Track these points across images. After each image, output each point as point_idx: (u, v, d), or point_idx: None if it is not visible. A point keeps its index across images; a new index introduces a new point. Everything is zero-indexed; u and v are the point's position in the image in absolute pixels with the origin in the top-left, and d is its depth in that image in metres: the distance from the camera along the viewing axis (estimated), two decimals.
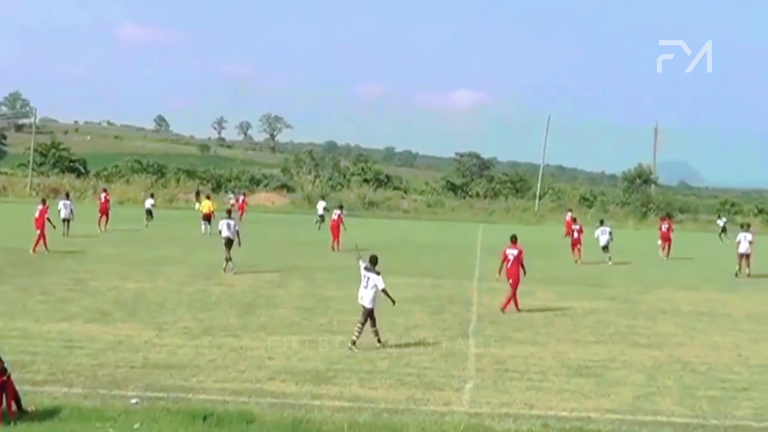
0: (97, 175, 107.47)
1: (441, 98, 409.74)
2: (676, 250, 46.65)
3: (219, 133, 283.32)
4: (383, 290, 19.64)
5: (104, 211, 49.63)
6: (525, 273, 26.35)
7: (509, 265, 26.00)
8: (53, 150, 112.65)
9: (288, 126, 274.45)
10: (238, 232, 32.89)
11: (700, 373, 18.49)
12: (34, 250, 35.89)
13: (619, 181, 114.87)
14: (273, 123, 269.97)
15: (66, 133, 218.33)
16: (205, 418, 13.55)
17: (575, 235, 43.59)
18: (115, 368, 16.86)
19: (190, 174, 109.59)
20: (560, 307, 26.97)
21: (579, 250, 42.97)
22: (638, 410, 15.28)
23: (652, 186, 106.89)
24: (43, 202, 39.82)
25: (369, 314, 19.70)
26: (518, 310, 25.67)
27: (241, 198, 69.77)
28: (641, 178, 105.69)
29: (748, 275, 38.08)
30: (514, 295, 25.86)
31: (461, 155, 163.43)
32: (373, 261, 20.05)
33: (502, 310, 25.44)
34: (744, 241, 38.57)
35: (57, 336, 19.65)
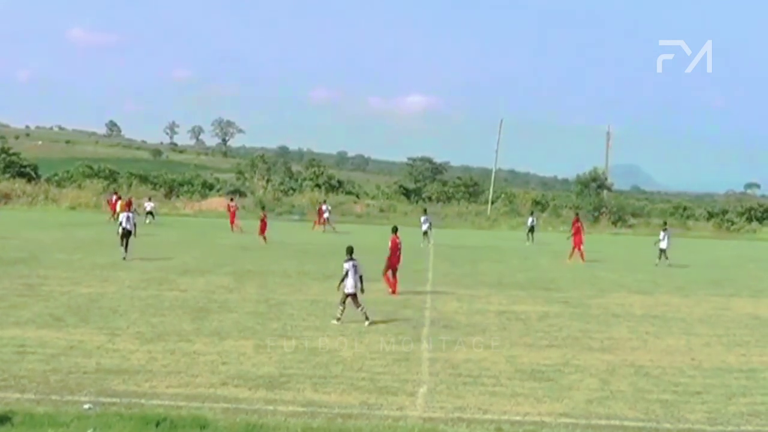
0: (48, 180, 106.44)
1: (393, 103, 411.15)
2: (631, 254, 47.16)
3: (171, 137, 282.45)
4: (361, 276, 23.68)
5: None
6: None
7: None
8: (4, 155, 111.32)
9: (240, 131, 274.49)
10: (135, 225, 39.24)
11: (653, 377, 18.62)
12: None
13: (573, 185, 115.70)
14: (225, 128, 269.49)
15: (17, 137, 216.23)
16: (158, 424, 13.45)
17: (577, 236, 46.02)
18: (67, 374, 16.69)
19: (143, 179, 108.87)
20: (513, 311, 27.08)
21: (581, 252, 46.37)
22: (592, 414, 15.35)
23: (605, 191, 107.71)
24: None
25: (355, 297, 23.44)
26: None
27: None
28: (595, 182, 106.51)
29: (669, 265, 43.64)
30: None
31: (414, 160, 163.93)
32: (350, 251, 23.82)
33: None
34: (665, 238, 46.14)
35: (9, 341, 19.42)
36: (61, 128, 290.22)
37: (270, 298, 27.76)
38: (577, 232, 47.37)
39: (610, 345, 22.04)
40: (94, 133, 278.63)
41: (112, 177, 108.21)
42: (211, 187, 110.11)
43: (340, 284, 23.93)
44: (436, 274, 36.24)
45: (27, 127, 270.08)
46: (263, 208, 54.18)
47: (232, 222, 61.20)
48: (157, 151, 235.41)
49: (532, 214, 63.14)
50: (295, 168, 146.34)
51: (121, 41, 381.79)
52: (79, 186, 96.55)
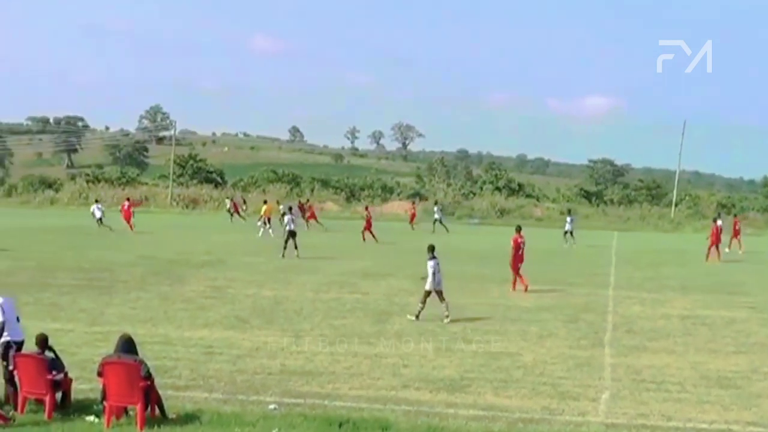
0: (234, 185, 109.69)
1: (573, 104, 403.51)
2: None
3: (352, 142, 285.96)
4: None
5: (127, 219, 50.92)
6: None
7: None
8: (191, 161, 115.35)
9: (420, 135, 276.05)
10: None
11: None
12: None
13: (759, 187, 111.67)
14: (405, 132, 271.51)
15: (204, 144, 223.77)
16: (341, 425, 13.70)
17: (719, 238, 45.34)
18: (253, 374, 17.18)
19: (325, 183, 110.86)
20: (698, 315, 26.34)
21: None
22: None
23: None
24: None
25: (440, 294, 24.07)
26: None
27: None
28: None
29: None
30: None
31: (594, 162, 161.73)
32: (432, 249, 24.65)
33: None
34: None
35: (197, 342, 20.12)
36: (245, 135, 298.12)
37: (449, 301, 27.79)
38: (717, 233, 46.09)
39: None
40: (277, 139, 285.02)
41: (294, 181, 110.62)
42: (391, 191, 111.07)
43: (428, 283, 24.23)
44: (618, 278, 35.60)
45: (213, 134, 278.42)
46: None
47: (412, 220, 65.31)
48: (338, 156, 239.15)
49: (569, 213, 61.10)
50: (475, 171, 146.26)
51: (301, 48, 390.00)
52: (264, 191, 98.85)
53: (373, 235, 51.53)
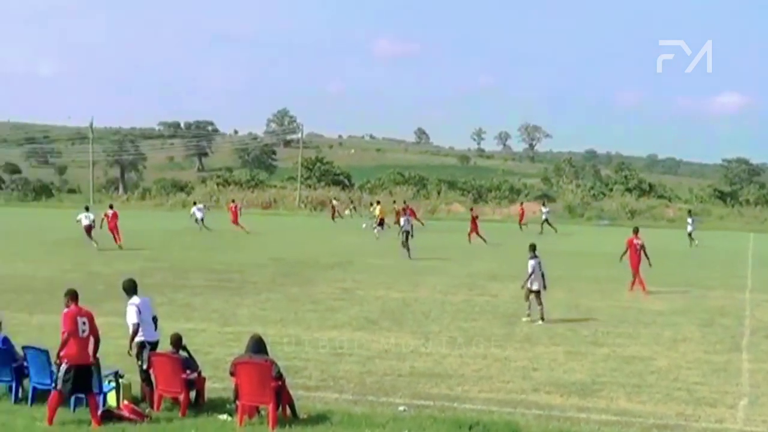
0: (360, 187, 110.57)
1: (704, 103, 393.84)
2: None
3: (478, 143, 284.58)
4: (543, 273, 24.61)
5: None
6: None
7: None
8: (318, 164, 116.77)
9: (547, 135, 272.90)
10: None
11: None
12: None
13: None
14: (531, 132, 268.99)
15: (331, 147, 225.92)
16: (471, 428, 13.63)
17: None
18: (382, 376, 17.24)
19: (451, 185, 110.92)
20: None
21: None
22: None
23: None
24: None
25: (538, 294, 24.16)
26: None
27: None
28: None
29: None
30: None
31: (728, 161, 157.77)
32: (534, 248, 24.87)
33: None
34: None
35: (327, 343, 20.28)
36: (371, 137, 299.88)
37: (579, 304, 27.52)
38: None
39: None
40: (403, 141, 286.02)
41: (421, 183, 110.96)
42: (518, 193, 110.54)
43: (525, 282, 24.61)
44: (755, 281, 34.67)
45: (340, 136, 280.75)
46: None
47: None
48: (464, 157, 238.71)
49: (690, 214, 58.98)
50: (603, 172, 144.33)
51: (425, 50, 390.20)
52: (390, 192, 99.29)
53: (481, 237, 50.62)
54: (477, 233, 50.96)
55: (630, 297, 29.19)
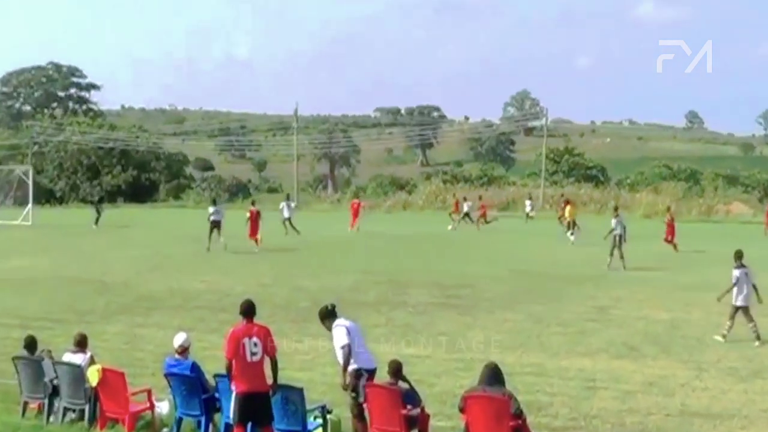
0: (618, 183, 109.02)
1: None
2: None
3: (765, 129, 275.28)
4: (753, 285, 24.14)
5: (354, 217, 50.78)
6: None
7: None
8: (567, 156, 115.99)
9: None
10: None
11: None
12: None
13: None
14: None
15: (581, 135, 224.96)
16: None
17: None
18: (646, 414, 16.97)
19: (731, 180, 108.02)
20: None
21: None
22: None
23: None
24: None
25: (747, 311, 24.05)
26: None
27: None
28: None
29: None
30: None
31: None
32: (740, 256, 24.50)
33: None
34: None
35: (577, 374, 20.13)
36: (631, 122, 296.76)
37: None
38: None
39: None
40: (671, 127, 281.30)
41: (693, 178, 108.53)
42: None
43: (723, 295, 24.73)
44: None
45: (592, 122, 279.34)
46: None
47: None
48: (748, 146, 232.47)
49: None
50: None
51: (698, 14, 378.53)
52: (655, 190, 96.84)
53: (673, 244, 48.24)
54: (668, 239, 48.45)
55: None
